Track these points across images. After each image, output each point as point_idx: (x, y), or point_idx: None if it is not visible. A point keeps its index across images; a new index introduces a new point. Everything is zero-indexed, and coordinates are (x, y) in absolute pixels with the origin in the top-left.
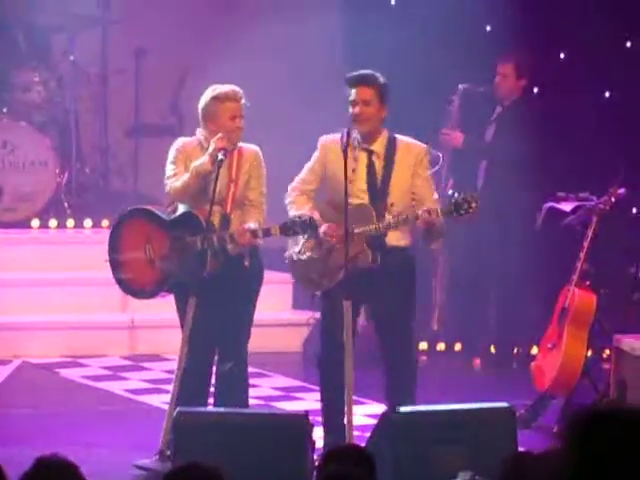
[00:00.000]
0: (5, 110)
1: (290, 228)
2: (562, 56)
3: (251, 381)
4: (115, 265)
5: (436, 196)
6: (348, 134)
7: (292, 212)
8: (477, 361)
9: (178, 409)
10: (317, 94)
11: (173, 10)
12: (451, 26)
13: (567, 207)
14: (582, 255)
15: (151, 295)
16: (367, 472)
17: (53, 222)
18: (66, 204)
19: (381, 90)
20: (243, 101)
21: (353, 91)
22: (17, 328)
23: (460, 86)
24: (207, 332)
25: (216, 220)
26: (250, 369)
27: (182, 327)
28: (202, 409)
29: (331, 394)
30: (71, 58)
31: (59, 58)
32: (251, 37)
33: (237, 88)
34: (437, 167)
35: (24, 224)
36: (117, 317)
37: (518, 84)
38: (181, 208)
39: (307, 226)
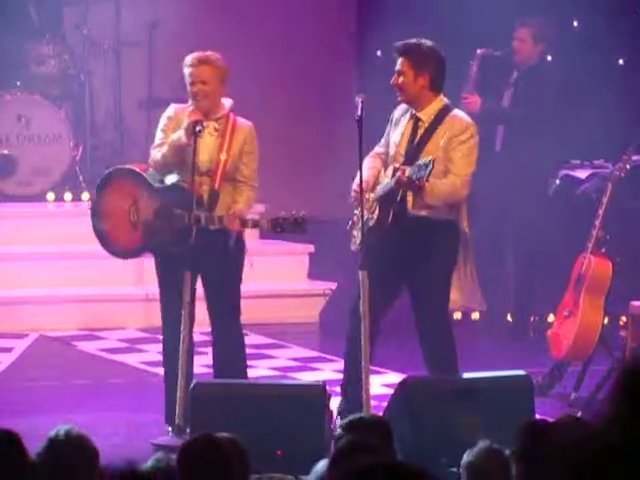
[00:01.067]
0: (19, 84)
1: (279, 225)
2: (575, 24)
3: (268, 352)
4: (97, 217)
5: (466, 170)
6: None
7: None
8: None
9: (195, 381)
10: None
11: None
12: None
13: (582, 174)
14: (597, 222)
15: (125, 256)
16: (385, 441)
17: (68, 195)
18: (81, 177)
19: (416, 59)
20: (210, 66)
21: (396, 61)
22: (33, 302)
23: (478, 51)
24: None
25: (205, 196)
26: (266, 340)
27: (160, 288)
28: (219, 381)
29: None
30: (84, 31)
31: (72, 31)
32: (265, 12)
33: (206, 53)
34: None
35: (39, 197)
36: (133, 290)
37: (535, 49)
38: (170, 176)
39: (296, 226)
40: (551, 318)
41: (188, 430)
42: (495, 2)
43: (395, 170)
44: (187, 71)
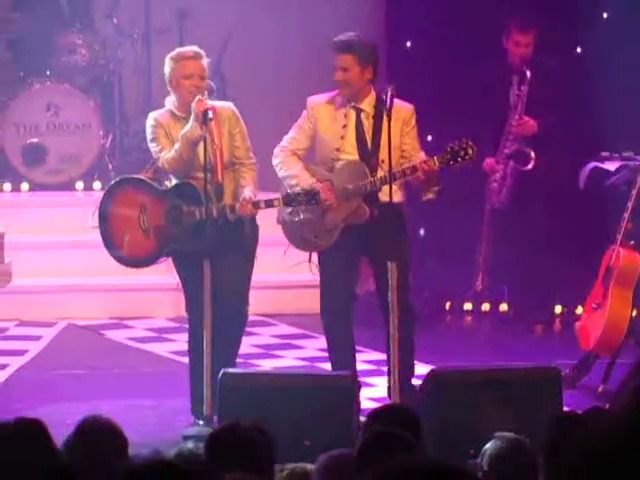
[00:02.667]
0: (49, 73)
1: (294, 199)
2: (605, 16)
3: (296, 342)
4: (107, 235)
5: (422, 153)
6: (391, 97)
7: (282, 173)
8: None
9: (223, 370)
10: None
11: None
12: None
13: (611, 167)
14: (626, 215)
15: (147, 264)
16: (413, 432)
17: (97, 184)
18: (110, 166)
19: (361, 55)
20: (204, 60)
21: (335, 57)
22: (63, 290)
23: (528, 72)
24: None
25: (211, 190)
26: (294, 330)
27: (184, 288)
28: (247, 370)
29: (339, 355)
30: (114, 20)
31: (102, 20)
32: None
33: (196, 48)
34: (530, 165)
35: (68, 186)
36: (163, 279)
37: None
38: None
39: (311, 196)
40: (579, 310)
41: (215, 419)
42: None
43: (374, 167)
44: (181, 65)
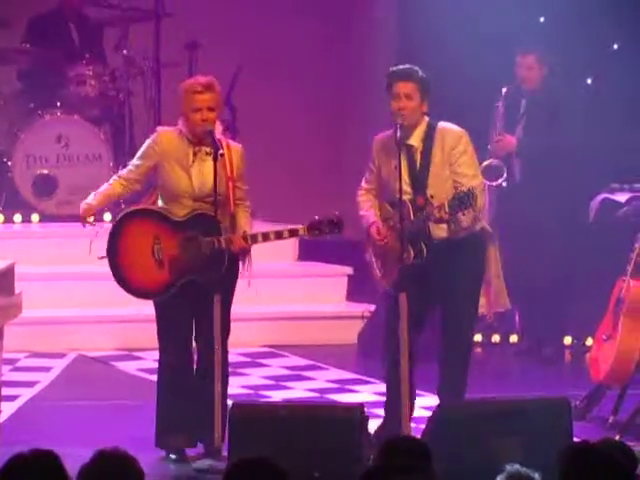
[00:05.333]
0: (59, 104)
1: (316, 228)
2: (615, 47)
3: (306, 373)
4: (118, 267)
5: (477, 181)
6: (396, 129)
7: (360, 212)
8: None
9: (232, 402)
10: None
11: (226, 3)
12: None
13: (621, 198)
14: (637, 246)
15: (158, 295)
16: (423, 463)
17: (107, 215)
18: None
19: (422, 84)
20: (214, 91)
21: (395, 85)
22: (73, 321)
23: (503, 89)
24: (186, 327)
25: (226, 221)
26: (304, 361)
27: (165, 324)
28: (256, 402)
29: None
30: (124, 52)
31: (112, 52)
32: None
33: (209, 79)
34: (502, 180)
35: (78, 218)
36: None
37: (541, 72)
38: (161, 202)
39: (334, 225)
40: (589, 342)
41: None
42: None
43: (420, 205)
44: (190, 98)
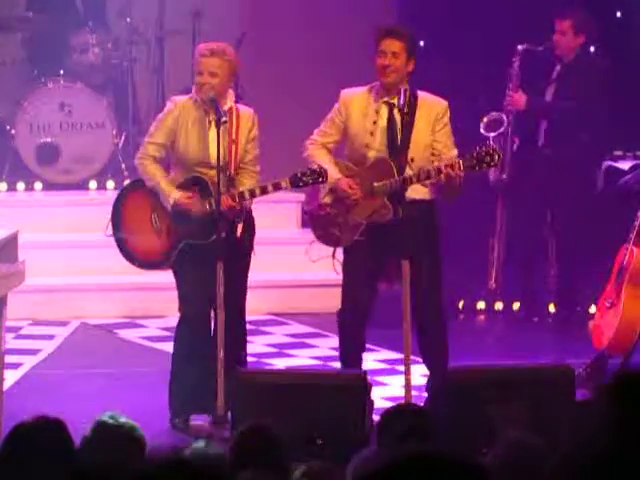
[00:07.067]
0: (62, 72)
1: (300, 179)
2: (618, 15)
3: (309, 341)
4: (122, 241)
5: (455, 152)
6: (404, 91)
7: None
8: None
9: (237, 369)
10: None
11: None
12: None
13: (625, 165)
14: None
15: (163, 264)
16: (426, 430)
17: (111, 183)
18: (123, 165)
19: (409, 43)
20: (220, 58)
21: (382, 42)
22: (76, 289)
23: (519, 47)
24: (204, 287)
25: (222, 184)
26: (308, 329)
27: (182, 286)
28: (261, 369)
29: (349, 354)
30: (127, 19)
31: (116, 19)
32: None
33: (220, 45)
34: (502, 129)
35: (81, 185)
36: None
37: (576, 41)
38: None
39: (317, 175)
40: (593, 309)
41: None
42: None
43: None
44: (195, 61)
